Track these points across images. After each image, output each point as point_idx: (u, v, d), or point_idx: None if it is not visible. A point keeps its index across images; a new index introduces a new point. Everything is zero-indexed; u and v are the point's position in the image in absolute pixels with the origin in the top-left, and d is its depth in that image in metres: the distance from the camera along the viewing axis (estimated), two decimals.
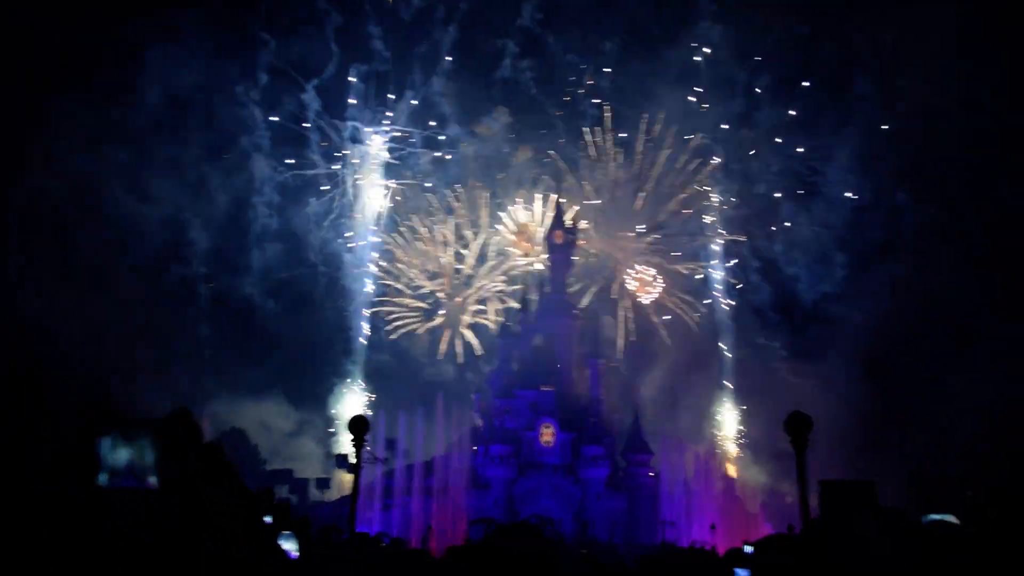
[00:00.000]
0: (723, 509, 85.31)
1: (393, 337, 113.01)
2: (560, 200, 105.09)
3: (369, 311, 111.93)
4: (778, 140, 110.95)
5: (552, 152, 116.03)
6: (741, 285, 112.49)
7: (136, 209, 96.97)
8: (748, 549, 48.16)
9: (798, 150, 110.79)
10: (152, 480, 18.90)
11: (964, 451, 73.32)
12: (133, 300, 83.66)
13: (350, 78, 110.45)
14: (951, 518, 43.72)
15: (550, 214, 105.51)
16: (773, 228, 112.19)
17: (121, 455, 18.58)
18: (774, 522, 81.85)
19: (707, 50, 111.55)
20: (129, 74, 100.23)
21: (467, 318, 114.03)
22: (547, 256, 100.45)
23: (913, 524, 42.37)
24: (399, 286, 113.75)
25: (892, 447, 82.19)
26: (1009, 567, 30.80)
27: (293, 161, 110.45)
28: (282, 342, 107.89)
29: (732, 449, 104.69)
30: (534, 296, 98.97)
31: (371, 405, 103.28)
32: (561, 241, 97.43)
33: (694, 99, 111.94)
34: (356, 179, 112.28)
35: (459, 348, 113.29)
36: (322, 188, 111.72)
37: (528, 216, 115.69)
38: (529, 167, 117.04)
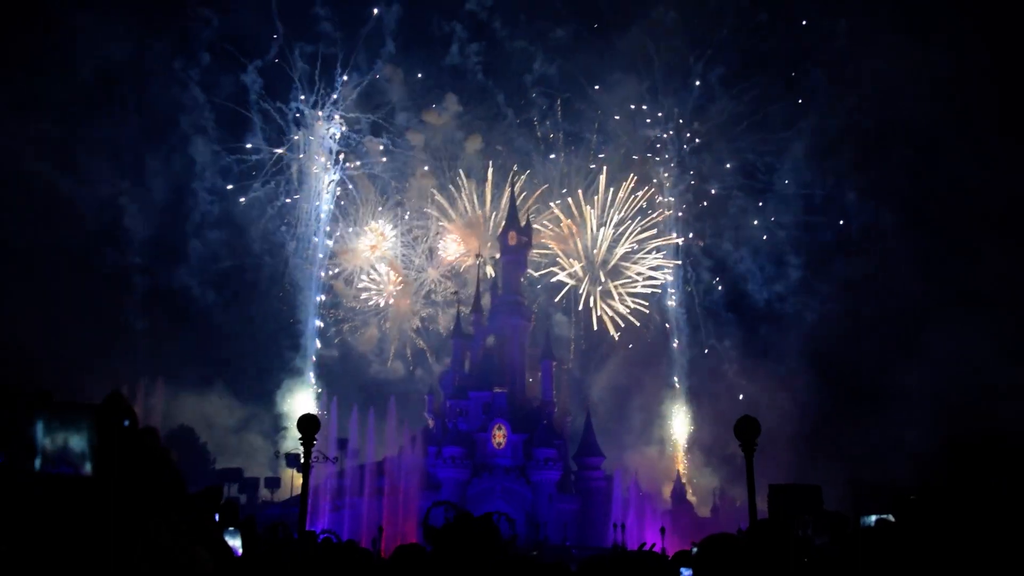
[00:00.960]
0: (674, 512, 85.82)
1: (337, 341, 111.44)
2: (514, 198, 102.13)
3: (318, 307, 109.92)
4: (732, 133, 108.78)
5: (500, 147, 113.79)
6: (691, 288, 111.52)
7: (68, 190, 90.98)
8: (695, 550, 48.38)
9: (751, 144, 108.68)
10: (87, 467, 18.35)
11: (908, 453, 74.19)
12: (62, 287, 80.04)
13: (295, 59, 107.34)
14: (889, 517, 44.54)
15: (502, 210, 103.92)
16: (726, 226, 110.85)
17: (56, 439, 17.98)
18: (725, 525, 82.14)
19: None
20: (58, 44, 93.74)
21: (416, 322, 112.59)
22: (500, 256, 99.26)
23: (851, 525, 43.11)
24: (345, 285, 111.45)
25: (840, 449, 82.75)
26: (938, 562, 31.57)
27: (236, 145, 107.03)
28: (224, 335, 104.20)
29: (683, 451, 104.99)
30: (486, 296, 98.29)
31: (320, 401, 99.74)
32: (514, 242, 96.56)
33: (647, 91, 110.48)
34: (301, 166, 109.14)
35: (408, 351, 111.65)
36: (264, 174, 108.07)
37: (478, 211, 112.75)
38: (480, 159, 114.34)
